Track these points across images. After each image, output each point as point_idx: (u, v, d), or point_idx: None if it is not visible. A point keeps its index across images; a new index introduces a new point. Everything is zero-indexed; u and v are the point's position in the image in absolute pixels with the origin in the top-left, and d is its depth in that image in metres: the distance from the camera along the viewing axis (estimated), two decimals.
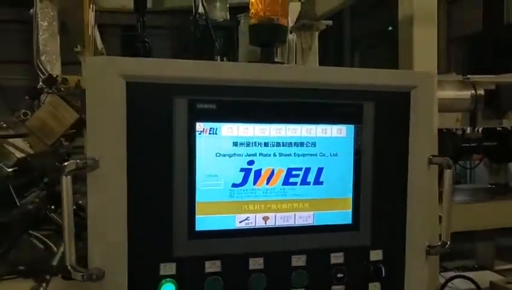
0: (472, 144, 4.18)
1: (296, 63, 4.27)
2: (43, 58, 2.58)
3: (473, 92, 3.53)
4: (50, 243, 1.37)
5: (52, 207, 1.44)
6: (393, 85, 0.97)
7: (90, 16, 2.34)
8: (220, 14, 3.00)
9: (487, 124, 3.76)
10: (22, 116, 1.54)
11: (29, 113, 1.53)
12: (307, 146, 0.94)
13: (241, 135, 0.91)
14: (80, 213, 1.22)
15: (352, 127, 0.95)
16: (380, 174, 0.97)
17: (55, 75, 1.87)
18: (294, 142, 0.93)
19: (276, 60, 1.18)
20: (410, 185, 0.99)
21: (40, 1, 2.62)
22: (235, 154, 0.90)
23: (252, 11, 1.15)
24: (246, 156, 0.91)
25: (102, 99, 0.84)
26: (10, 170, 1.40)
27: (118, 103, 0.84)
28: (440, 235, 1.00)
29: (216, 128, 0.89)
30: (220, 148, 0.89)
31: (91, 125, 0.85)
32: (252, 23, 1.15)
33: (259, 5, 1.12)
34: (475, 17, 14.86)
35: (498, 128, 3.22)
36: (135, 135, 0.85)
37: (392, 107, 0.97)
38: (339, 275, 0.95)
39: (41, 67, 2.50)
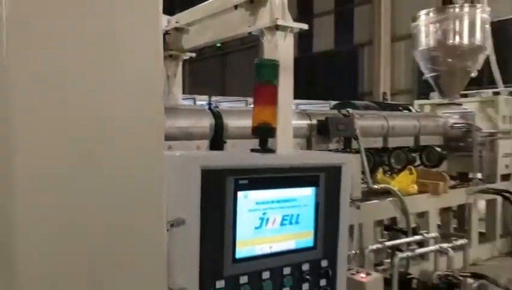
0: None
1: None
2: None
3: (309, 122, 4.51)
4: None
5: None
6: (334, 162, 1.67)
7: None
8: None
9: (319, 148, 4.94)
10: None
11: None
12: (291, 201, 1.57)
13: (259, 197, 1.49)
14: None
15: (314, 188, 1.62)
16: (327, 215, 1.65)
17: None
18: (285, 200, 1.55)
19: None
20: (341, 219, 1.70)
21: None
22: (256, 209, 1.49)
23: None
24: (261, 209, 1.50)
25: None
26: None
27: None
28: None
29: (247, 194, 1.46)
30: (249, 205, 1.46)
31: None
32: None
33: None
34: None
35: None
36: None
37: (334, 174, 1.67)
38: (307, 277, 1.61)
39: None
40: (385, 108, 7.00)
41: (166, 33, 5.20)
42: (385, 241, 4.70)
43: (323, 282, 1.66)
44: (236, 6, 3.53)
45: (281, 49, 3.10)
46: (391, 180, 6.06)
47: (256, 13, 3.31)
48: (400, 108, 7.44)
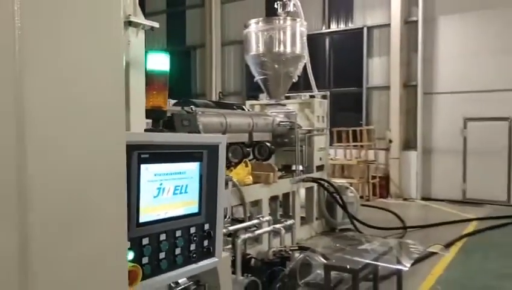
0: None
1: None
2: None
3: None
4: None
5: None
6: (213, 141, 1.99)
7: None
8: None
9: None
10: None
11: None
12: (181, 174, 1.83)
13: (157, 170, 1.72)
14: None
15: (199, 163, 1.91)
16: (209, 186, 1.96)
17: None
18: (177, 172, 1.81)
19: None
20: (219, 189, 2.03)
21: None
22: (154, 180, 1.71)
23: None
24: (159, 180, 1.73)
25: None
26: None
27: None
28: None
29: (148, 167, 1.68)
30: (149, 176, 1.68)
31: None
32: None
33: None
34: None
35: None
36: None
37: (213, 151, 1.99)
38: (194, 238, 1.89)
39: None
40: (222, 107, 7.56)
41: None
42: (228, 226, 5.21)
43: (206, 242, 1.96)
44: None
45: (133, 45, 3.23)
46: (229, 173, 6.63)
47: None
48: (235, 107, 8.11)
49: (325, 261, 4.80)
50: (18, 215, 0.91)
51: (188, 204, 1.88)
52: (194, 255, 1.89)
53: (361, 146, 13.32)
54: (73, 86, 1.02)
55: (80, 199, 1.06)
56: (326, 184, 8.58)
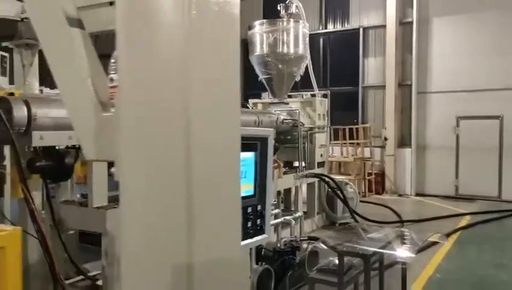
0: None
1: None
2: None
3: None
4: None
5: None
6: (265, 134, 2.30)
7: None
8: None
9: None
10: None
11: None
12: (243, 161, 2.13)
13: None
14: None
15: (254, 153, 2.22)
16: (261, 172, 2.27)
17: None
18: (242, 160, 2.11)
19: None
20: (268, 175, 2.33)
21: None
22: None
23: None
24: None
25: None
26: None
27: None
28: None
29: None
30: None
31: None
32: None
33: None
34: None
35: None
36: None
37: (264, 143, 2.29)
38: (250, 217, 2.20)
39: None
40: None
41: (21, 20, 5.06)
42: None
43: (259, 221, 2.27)
44: (111, 3, 3.82)
45: None
46: None
47: None
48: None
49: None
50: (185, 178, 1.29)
51: (246, 187, 2.18)
52: (251, 231, 2.20)
53: (358, 144, 13.70)
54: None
55: (220, 170, 1.48)
56: (328, 180, 8.92)
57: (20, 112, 3.89)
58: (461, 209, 11.17)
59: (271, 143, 2.33)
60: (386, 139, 13.67)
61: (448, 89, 13.02)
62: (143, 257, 1.28)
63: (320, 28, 15.17)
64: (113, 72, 1.40)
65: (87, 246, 5.86)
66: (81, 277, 4.49)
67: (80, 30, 1.46)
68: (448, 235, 8.32)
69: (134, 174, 1.26)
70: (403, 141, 13.77)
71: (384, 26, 13.76)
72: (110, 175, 1.36)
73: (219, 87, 1.45)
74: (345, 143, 13.76)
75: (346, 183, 9.56)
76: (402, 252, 5.09)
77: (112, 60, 1.57)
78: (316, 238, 5.88)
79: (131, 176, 1.26)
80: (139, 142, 1.27)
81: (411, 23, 13.41)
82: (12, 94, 3.98)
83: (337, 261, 4.63)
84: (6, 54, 5.89)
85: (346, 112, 14.70)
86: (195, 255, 1.38)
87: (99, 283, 4.57)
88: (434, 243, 7.21)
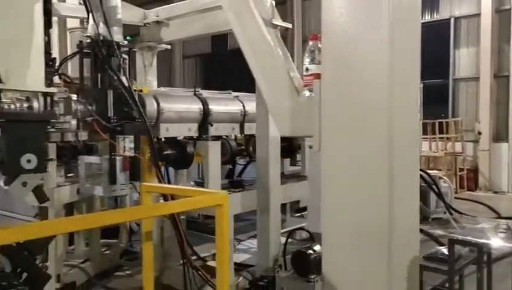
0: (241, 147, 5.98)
1: (136, 76, 5.20)
2: None
3: (201, 106, 4.84)
4: None
5: None
6: None
7: None
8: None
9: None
10: None
11: None
12: None
13: None
14: None
15: None
16: None
17: None
18: None
19: None
20: None
21: None
22: None
23: None
24: None
25: None
26: None
27: None
28: None
29: None
30: None
31: None
32: None
33: None
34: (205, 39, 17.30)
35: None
36: None
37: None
38: None
39: None
40: None
41: (144, 25, 5.57)
42: None
43: None
44: None
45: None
46: None
47: None
48: None
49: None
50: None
51: None
52: None
53: (448, 138, 13.19)
54: None
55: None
56: (422, 173, 8.73)
57: (151, 107, 4.34)
58: None
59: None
60: (479, 133, 13.02)
61: None
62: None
63: None
64: (307, 62, 1.72)
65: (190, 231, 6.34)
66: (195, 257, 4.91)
67: (274, 31, 1.75)
68: None
69: (333, 146, 1.48)
70: (499, 136, 13.03)
71: (478, 15, 13.10)
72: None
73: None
74: (434, 138, 13.31)
75: (440, 178, 9.30)
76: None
77: (306, 54, 1.87)
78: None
79: (331, 147, 1.48)
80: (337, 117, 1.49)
81: (508, 10, 12.64)
82: (141, 91, 4.43)
83: (444, 250, 4.60)
84: (126, 56, 6.47)
85: (435, 105, 14.17)
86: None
87: (210, 263, 4.98)
88: None
